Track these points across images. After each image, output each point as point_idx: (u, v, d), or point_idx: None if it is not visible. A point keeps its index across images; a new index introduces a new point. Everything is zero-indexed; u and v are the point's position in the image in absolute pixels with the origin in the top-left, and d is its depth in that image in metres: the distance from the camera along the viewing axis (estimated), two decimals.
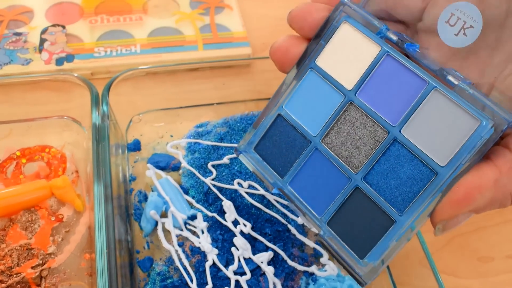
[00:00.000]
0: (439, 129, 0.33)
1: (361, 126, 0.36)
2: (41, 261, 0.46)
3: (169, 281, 0.46)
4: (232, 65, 0.64)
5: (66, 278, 0.46)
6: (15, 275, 0.44)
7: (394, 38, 0.35)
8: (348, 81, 0.37)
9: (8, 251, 0.46)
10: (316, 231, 0.38)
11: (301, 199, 0.39)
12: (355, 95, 0.37)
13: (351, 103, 0.37)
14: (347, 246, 0.37)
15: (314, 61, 0.39)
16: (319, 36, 0.38)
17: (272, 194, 0.51)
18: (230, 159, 0.54)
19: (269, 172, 0.41)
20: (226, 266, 0.47)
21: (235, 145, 0.55)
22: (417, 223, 0.34)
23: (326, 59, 0.38)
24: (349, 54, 0.37)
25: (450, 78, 0.33)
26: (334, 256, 0.37)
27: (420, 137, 0.34)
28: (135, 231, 0.51)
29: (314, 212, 0.38)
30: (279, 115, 0.41)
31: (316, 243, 0.50)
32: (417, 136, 0.34)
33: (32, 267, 0.45)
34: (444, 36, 0.33)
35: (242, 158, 0.42)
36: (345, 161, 0.37)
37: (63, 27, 0.69)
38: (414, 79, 0.34)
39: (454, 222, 0.33)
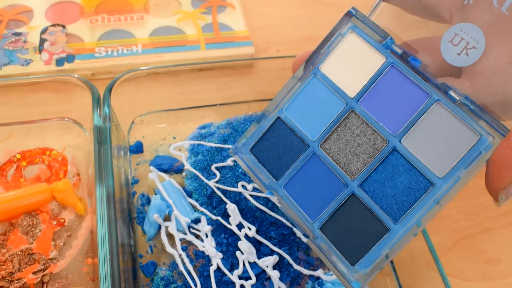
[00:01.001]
0: (438, 141, 0.34)
1: (361, 134, 0.37)
2: (42, 266, 0.45)
3: (173, 286, 0.46)
4: (235, 65, 0.63)
5: (68, 283, 0.45)
6: (16, 281, 0.44)
7: (399, 51, 0.36)
8: (351, 89, 0.38)
9: (9, 256, 0.45)
10: (304, 239, 0.38)
11: (295, 203, 0.39)
12: (357, 103, 0.37)
13: (352, 110, 0.37)
14: (338, 252, 0.36)
15: (318, 67, 0.39)
16: (325, 43, 0.39)
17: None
18: (234, 161, 0.53)
19: (264, 174, 0.41)
20: (231, 270, 0.46)
21: None
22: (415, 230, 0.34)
23: (330, 66, 0.39)
24: (353, 63, 0.38)
25: (452, 93, 0.33)
26: (324, 262, 0.37)
27: (420, 148, 0.34)
28: (138, 235, 0.50)
29: (307, 216, 0.38)
30: (278, 118, 0.40)
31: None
32: (417, 147, 0.34)
33: (34, 273, 0.45)
34: (447, 55, 0.34)
35: (236, 158, 0.42)
36: (343, 168, 0.37)
37: (63, 26, 0.68)
38: (417, 91, 0.35)
39: None
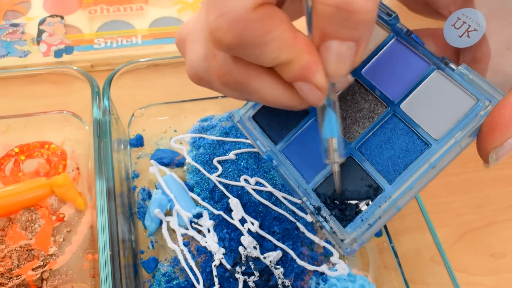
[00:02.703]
0: (437, 106, 0.35)
1: (362, 100, 0.38)
2: (42, 263, 0.44)
3: (174, 282, 0.45)
4: None
5: (68, 280, 0.45)
6: (15, 278, 0.43)
7: (404, 28, 0.37)
8: None
9: (8, 252, 0.44)
10: (298, 201, 0.39)
11: (292, 165, 0.40)
12: (360, 72, 0.38)
13: (355, 79, 0.38)
14: (332, 214, 0.37)
15: None
16: None
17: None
18: (236, 154, 0.52)
19: (264, 139, 0.41)
20: (234, 266, 0.46)
21: (241, 140, 0.53)
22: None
23: None
24: None
25: (452, 65, 0.35)
26: (320, 225, 0.37)
27: (418, 112, 0.35)
28: (139, 230, 0.49)
29: (304, 179, 0.39)
30: None
31: (326, 241, 0.48)
32: (415, 111, 0.36)
33: (33, 269, 0.44)
34: (449, 37, 0.35)
35: (238, 124, 0.43)
36: (342, 132, 0.37)
37: (62, 17, 0.67)
38: (418, 61, 0.36)
39: (506, 147, 0.32)
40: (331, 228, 0.36)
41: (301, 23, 0.31)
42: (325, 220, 0.37)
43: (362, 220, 0.35)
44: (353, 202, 0.36)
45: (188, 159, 0.52)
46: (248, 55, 0.29)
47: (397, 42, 0.37)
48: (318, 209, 0.37)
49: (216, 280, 0.45)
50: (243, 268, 0.45)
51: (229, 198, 0.49)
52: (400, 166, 0.35)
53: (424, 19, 0.42)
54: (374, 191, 0.36)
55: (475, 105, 0.33)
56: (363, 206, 0.36)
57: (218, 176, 0.51)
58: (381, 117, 0.37)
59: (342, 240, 0.36)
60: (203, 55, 0.33)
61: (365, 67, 0.38)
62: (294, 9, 0.33)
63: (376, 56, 0.38)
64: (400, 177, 0.35)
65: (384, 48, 0.38)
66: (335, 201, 0.37)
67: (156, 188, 0.51)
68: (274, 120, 0.41)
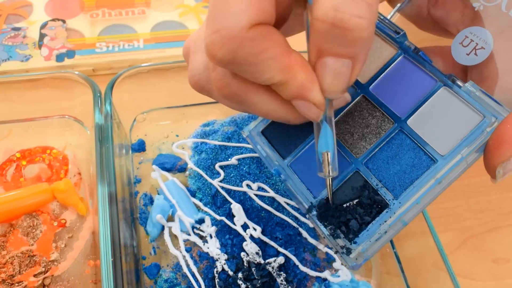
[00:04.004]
0: (443, 123, 0.35)
1: (369, 116, 0.38)
2: (43, 269, 0.44)
3: None
4: None
5: (70, 286, 0.44)
6: (16, 284, 0.43)
7: (411, 46, 0.38)
8: (363, 77, 0.39)
9: (9, 258, 0.44)
10: (307, 216, 0.38)
11: (300, 180, 0.40)
12: (368, 88, 0.39)
13: (363, 95, 0.39)
14: (337, 228, 0.36)
15: None
16: None
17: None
18: (239, 159, 0.52)
19: (273, 153, 0.42)
20: (236, 272, 0.45)
21: (243, 145, 0.53)
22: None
23: None
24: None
25: (459, 82, 0.35)
26: (326, 237, 0.37)
27: (425, 128, 0.36)
28: (141, 236, 0.49)
29: (311, 193, 0.39)
30: None
31: (328, 247, 0.48)
32: (422, 127, 0.36)
33: (35, 275, 0.44)
34: (456, 55, 0.36)
35: (248, 139, 0.43)
36: (349, 147, 0.38)
37: (63, 21, 0.67)
38: (425, 78, 0.37)
39: None
40: (336, 242, 0.36)
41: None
42: (331, 234, 0.36)
43: (368, 235, 0.35)
44: (359, 216, 0.36)
45: (190, 164, 0.52)
46: (243, 72, 0.29)
47: (404, 59, 0.38)
48: (325, 222, 0.37)
49: (218, 286, 0.44)
50: (246, 274, 0.45)
51: (231, 203, 0.49)
52: (406, 182, 0.35)
53: (432, 36, 0.43)
54: (380, 206, 0.35)
55: (482, 122, 0.33)
56: (369, 221, 0.35)
57: (220, 181, 0.51)
58: (388, 133, 0.37)
59: (347, 255, 0.35)
60: (204, 65, 0.34)
61: (373, 84, 0.39)
62: (297, 24, 0.34)
63: (383, 73, 0.38)
64: (406, 192, 0.35)
65: (392, 65, 0.38)
66: (341, 216, 0.36)
67: (158, 194, 0.51)
68: (283, 135, 0.41)
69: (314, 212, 0.37)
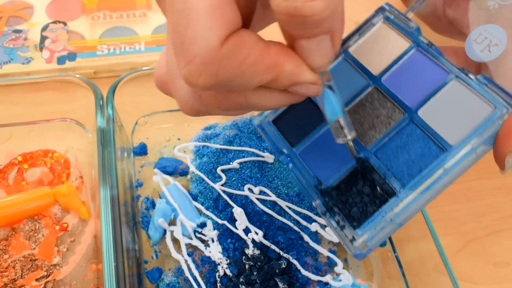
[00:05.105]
0: (454, 113, 0.35)
1: (380, 107, 0.39)
2: (45, 273, 0.44)
3: None
4: None
5: None
6: None
7: (425, 40, 0.39)
8: (376, 68, 0.40)
9: (11, 262, 0.44)
10: (314, 204, 0.39)
11: (308, 168, 0.40)
12: (380, 79, 0.39)
13: (374, 86, 0.39)
14: (343, 215, 0.37)
15: (348, 51, 0.42)
16: (356, 32, 0.42)
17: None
18: (240, 163, 0.52)
19: (282, 143, 0.42)
20: (238, 276, 0.45)
21: (245, 148, 0.53)
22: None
23: (359, 50, 0.42)
24: (381, 47, 0.41)
25: (471, 75, 0.36)
26: (332, 226, 0.38)
27: (435, 119, 0.36)
28: (143, 239, 0.49)
29: (319, 181, 0.39)
30: None
31: (330, 251, 0.48)
32: (432, 118, 0.36)
33: (37, 279, 0.44)
34: (470, 51, 0.36)
35: (258, 129, 0.45)
36: (359, 136, 0.38)
37: (65, 23, 0.67)
38: (438, 70, 0.37)
39: None
40: (342, 230, 0.36)
41: None
42: (337, 222, 0.37)
43: (373, 222, 0.35)
44: (366, 204, 0.36)
45: (192, 168, 0.52)
46: (231, 86, 0.28)
47: (418, 52, 0.39)
48: (330, 211, 0.37)
49: None
50: (247, 278, 0.45)
51: (233, 207, 0.49)
52: (415, 171, 0.35)
53: (445, 38, 0.44)
54: (387, 194, 0.36)
55: (493, 113, 0.34)
56: (374, 209, 0.36)
57: (222, 185, 0.51)
58: (398, 123, 0.37)
59: (352, 242, 0.35)
60: (191, 91, 0.32)
61: (385, 76, 0.39)
62: (267, 14, 0.33)
63: (396, 65, 0.39)
64: (414, 181, 0.35)
65: (405, 58, 0.39)
66: (348, 203, 0.37)
67: (160, 197, 0.51)
68: (293, 124, 0.42)
69: (321, 203, 0.38)
